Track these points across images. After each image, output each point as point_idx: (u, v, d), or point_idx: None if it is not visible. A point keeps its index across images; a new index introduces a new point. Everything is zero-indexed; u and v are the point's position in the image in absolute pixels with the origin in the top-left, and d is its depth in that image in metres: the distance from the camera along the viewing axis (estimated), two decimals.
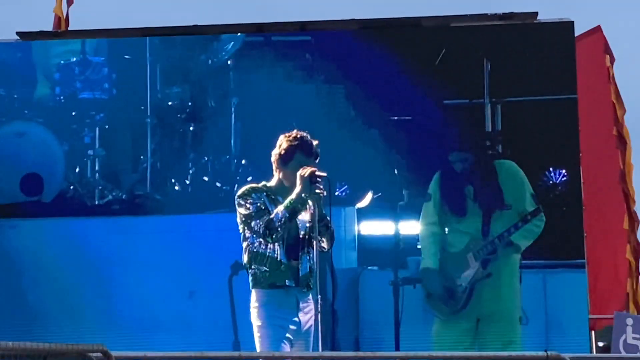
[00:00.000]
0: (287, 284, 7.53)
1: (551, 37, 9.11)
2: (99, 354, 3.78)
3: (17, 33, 9.56)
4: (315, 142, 7.75)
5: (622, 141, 9.91)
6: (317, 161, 7.69)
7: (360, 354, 7.42)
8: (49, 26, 10.26)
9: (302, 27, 9.33)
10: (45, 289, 9.24)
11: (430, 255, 8.97)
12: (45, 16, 10.52)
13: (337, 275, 8.85)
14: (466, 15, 9.19)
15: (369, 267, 9.03)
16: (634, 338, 8.77)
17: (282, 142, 7.73)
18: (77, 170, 9.46)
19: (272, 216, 7.49)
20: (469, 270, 8.95)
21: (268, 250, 7.58)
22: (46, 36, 9.70)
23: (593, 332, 9.21)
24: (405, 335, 8.87)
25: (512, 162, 9.03)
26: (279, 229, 7.47)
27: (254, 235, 7.56)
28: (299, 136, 7.71)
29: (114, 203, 9.39)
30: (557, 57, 9.07)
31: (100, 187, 9.42)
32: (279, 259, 7.56)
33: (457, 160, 9.11)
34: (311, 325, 7.71)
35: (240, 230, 7.97)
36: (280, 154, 7.73)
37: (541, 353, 6.19)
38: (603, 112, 9.83)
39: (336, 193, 8.80)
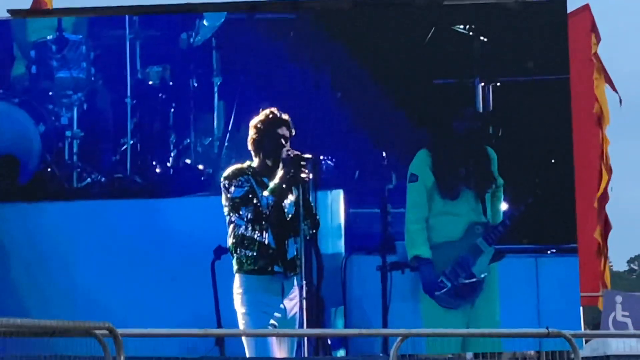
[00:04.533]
0: (275, 269, 7.60)
1: (543, 16, 9.21)
2: (105, 331, 3.82)
3: (9, 11, 9.55)
4: (285, 115, 7.95)
5: (601, 119, 10.08)
6: (292, 132, 7.86)
7: (362, 330, 7.47)
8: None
9: (294, 5, 9.35)
10: (22, 273, 9.23)
11: (421, 243, 8.97)
12: None
13: (323, 260, 8.88)
14: None
15: (356, 252, 9.06)
16: (623, 315, 8.93)
17: (253, 124, 7.97)
18: (54, 152, 9.43)
19: (259, 203, 7.58)
20: (483, 257, 8.96)
21: (256, 235, 7.66)
22: (38, 14, 9.69)
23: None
24: (393, 321, 8.92)
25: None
26: (268, 214, 7.57)
27: (242, 219, 7.62)
28: (268, 112, 7.98)
29: (93, 186, 9.42)
30: (549, 36, 9.19)
31: (78, 170, 9.46)
32: (267, 242, 7.64)
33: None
34: (297, 312, 7.79)
35: (226, 213, 8.04)
36: (253, 137, 7.95)
37: (542, 330, 6.34)
38: (585, 90, 9.98)
39: (321, 157, 8.79)
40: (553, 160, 9.11)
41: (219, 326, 8.83)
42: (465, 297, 8.98)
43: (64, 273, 9.23)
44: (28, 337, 3.60)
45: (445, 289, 8.98)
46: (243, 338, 8.20)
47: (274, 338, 7.85)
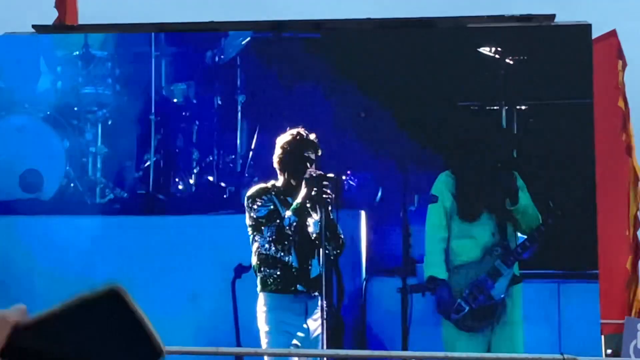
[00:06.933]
0: (298, 288, 7.67)
1: (568, 40, 9.25)
2: None
3: (33, 26, 9.69)
4: (312, 136, 8.02)
5: (630, 146, 10.10)
6: (318, 153, 7.94)
7: (374, 352, 7.53)
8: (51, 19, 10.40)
9: (317, 26, 9.45)
10: (44, 287, 9.32)
11: (438, 264, 9.00)
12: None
13: (344, 281, 8.92)
14: (483, 16, 9.33)
15: (377, 274, 9.10)
16: None
17: (280, 144, 8.05)
18: (78, 167, 9.56)
19: (282, 222, 7.67)
20: (502, 279, 8.97)
21: (279, 254, 7.73)
22: (62, 30, 9.83)
23: (603, 337, 9.36)
24: (414, 344, 8.95)
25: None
26: (291, 234, 7.65)
27: (265, 239, 7.71)
28: (295, 133, 8.06)
29: (115, 202, 9.52)
30: (574, 60, 9.22)
31: (101, 185, 9.55)
32: (290, 262, 7.71)
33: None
34: (320, 333, 7.84)
35: (250, 233, 8.11)
36: (280, 156, 8.03)
37: (557, 355, 6.32)
38: (612, 117, 10.00)
39: (343, 177, 8.84)
40: (574, 182, 9.12)
41: (238, 345, 8.89)
42: (484, 320, 8.99)
43: (84, 288, 9.33)
44: None
45: (463, 312, 9.00)
46: (266, 356, 8.25)
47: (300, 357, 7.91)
